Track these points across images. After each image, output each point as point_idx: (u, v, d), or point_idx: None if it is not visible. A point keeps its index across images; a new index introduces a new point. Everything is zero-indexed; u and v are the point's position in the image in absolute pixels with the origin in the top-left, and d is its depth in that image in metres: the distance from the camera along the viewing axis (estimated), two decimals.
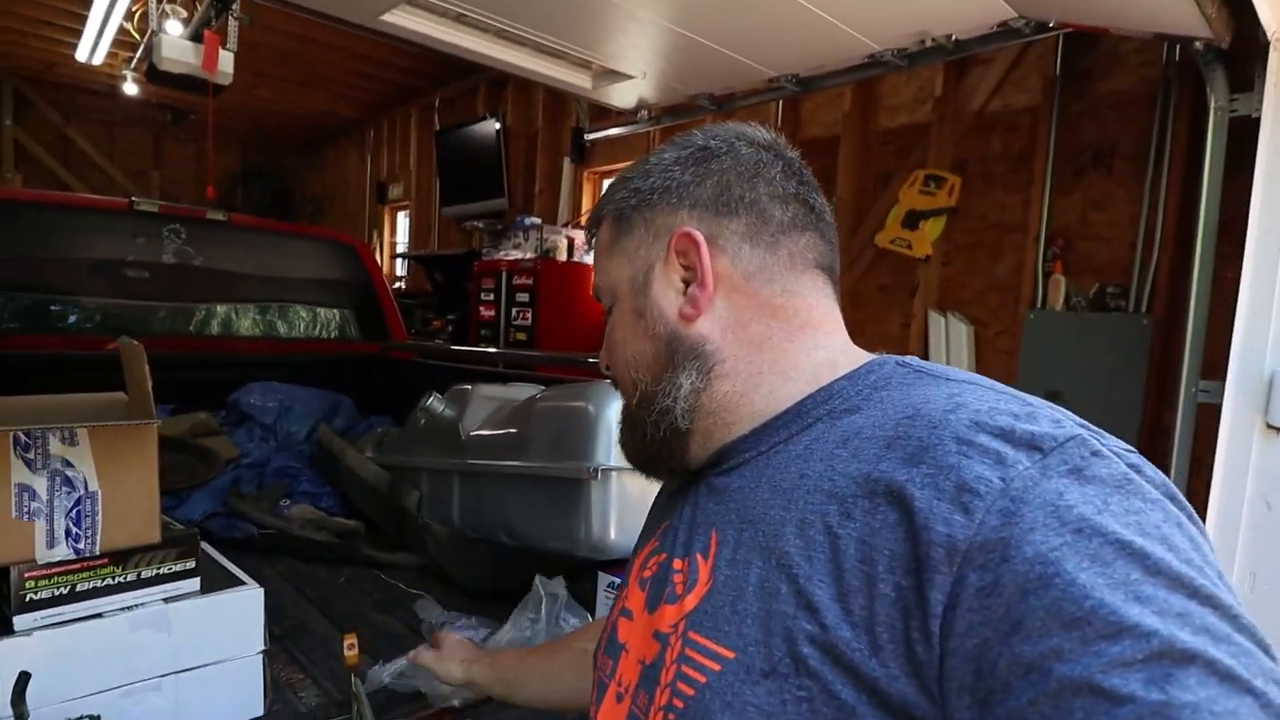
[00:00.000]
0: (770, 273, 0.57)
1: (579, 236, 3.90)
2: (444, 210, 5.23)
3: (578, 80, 2.89)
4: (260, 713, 0.98)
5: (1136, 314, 1.97)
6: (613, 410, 1.07)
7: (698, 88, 2.86)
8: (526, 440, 1.21)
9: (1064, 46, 2.14)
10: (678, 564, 0.56)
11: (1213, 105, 1.74)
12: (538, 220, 3.89)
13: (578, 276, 3.82)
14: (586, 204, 4.13)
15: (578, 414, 1.10)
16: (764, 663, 0.44)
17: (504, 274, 3.84)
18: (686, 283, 0.57)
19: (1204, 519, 1.54)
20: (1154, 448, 2.06)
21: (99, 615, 0.87)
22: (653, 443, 0.58)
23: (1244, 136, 1.64)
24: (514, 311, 3.81)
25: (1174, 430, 1.68)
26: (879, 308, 2.78)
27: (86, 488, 0.85)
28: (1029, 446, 0.40)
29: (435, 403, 1.54)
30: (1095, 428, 0.43)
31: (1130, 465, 0.40)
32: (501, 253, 3.97)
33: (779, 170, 0.58)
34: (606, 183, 4.18)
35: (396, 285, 5.98)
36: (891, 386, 0.52)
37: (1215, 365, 1.67)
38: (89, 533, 0.86)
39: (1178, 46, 1.80)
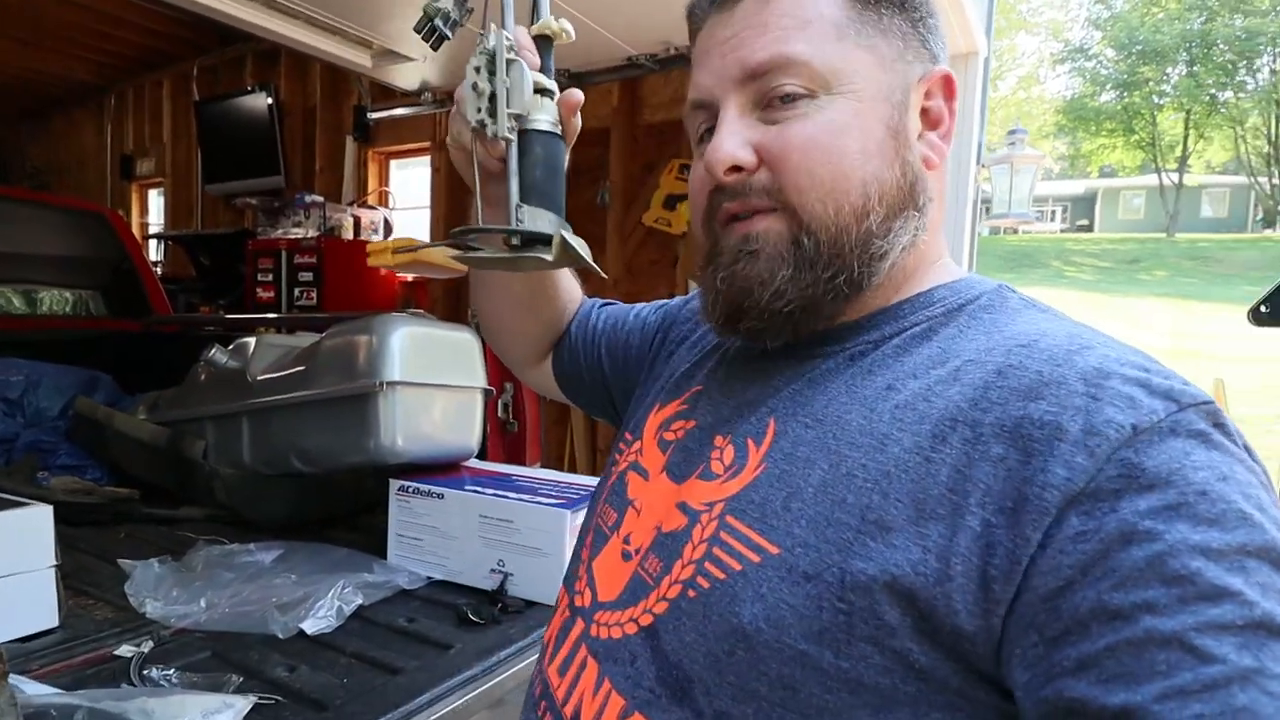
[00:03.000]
0: (946, 163, 0.54)
1: (365, 215, 3.88)
2: (208, 188, 4.86)
3: (357, 58, 2.92)
4: (56, 623, 1.03)
5: None
6: (395, 335, 1.24)
7: None
8: (316, 372, 1.34)
9: None
10: (719, 440, 0.52)
11: None
12: (319, 198, 3.81)
13: (365, 254, 3.81)
14: (372, 184, 4.10)
15: (363, 341, 1.27)
16: (810, 566, 0.42)
17: (284, 253, 3.72)
18: (921, 128, 0.52)
19: None
20: None
21: None
22: (830, 289, 0.49)
23: None
24: (297, 291, 3.71)
25: None
26: (650, 278, 3.15)
27: None
28: (1165, 397, 0.38)
29: (219, 354, 1.59)
30: None
31: (1245, 446, 0.39)
32: (280, 231, 3.84)
33: None
34: (394, 163, 4.19)
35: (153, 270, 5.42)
36: (997, 309, 0.49)
37: None
38: None
39: None
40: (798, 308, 0.49)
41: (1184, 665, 0.31)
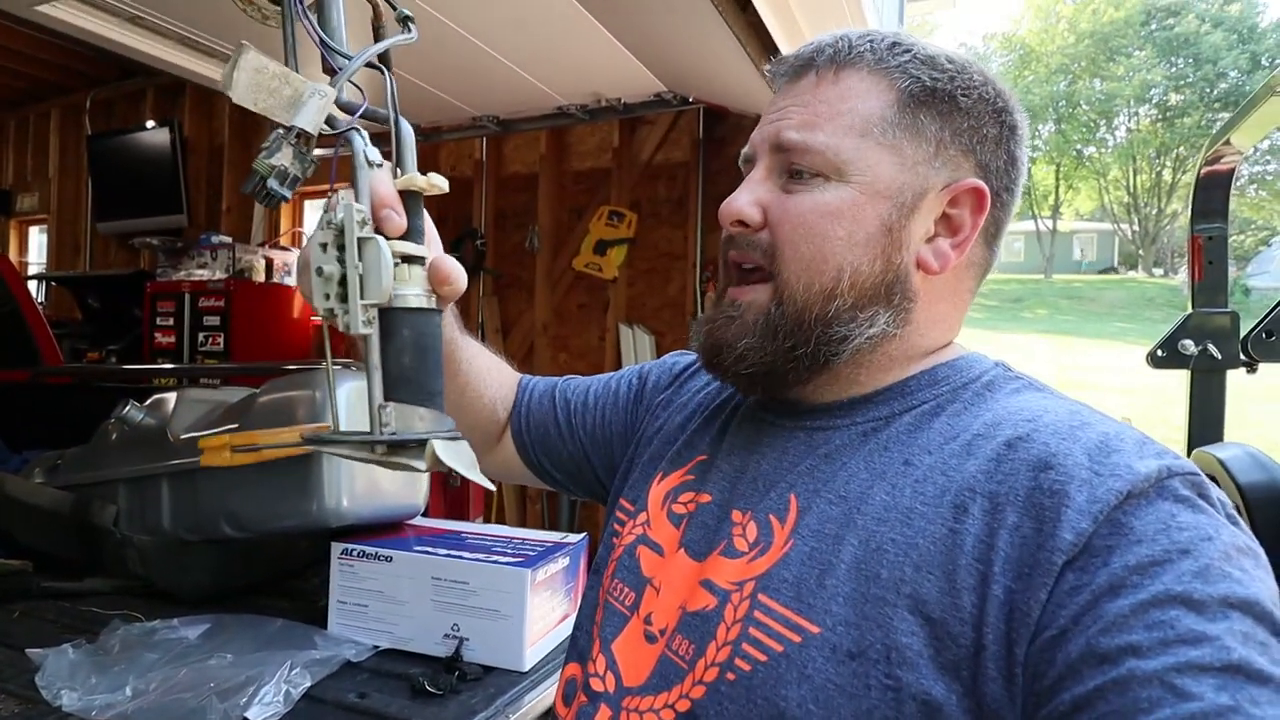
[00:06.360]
0: (981, 270, 0.56)
1: (278, 257, 3.73)
2: (100, 226, 4.56)
3: None
4: None
5: None
6: (340, 392, 1.19)
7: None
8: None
9: (705, 118, 2.72)
10: (738, 516, 0.53)
11: None
12: (227, 239, 3.64)
13: (278, 298, 3.65)
14: (285, 225, 3.95)
15: (304, 397, 1.21)
16: (853, 644, 0.43)
17: (187, 296, 3.51)
18: (934, 233, 0.53)
19: None
20: None
21: None
22: (790, 360, 0.52)
23: None
24: (202, 336, 3.51)
25: None
26: (579, 323, 3.16)
27: None
28: (1157, 467, 0.41)
29: (134, 411, 1.48)
30: None
31: (1228, 516, 0.41)
32: (183, 273, 3.64)
33: (1028, 167, 0.56)
34: (309, 204, 4.06)
35: None
36: (998, 387, 0.52)
37: None
38: None
39: None
40: (759, 373, 0.53)
41: (1164, 703, 0.33)
